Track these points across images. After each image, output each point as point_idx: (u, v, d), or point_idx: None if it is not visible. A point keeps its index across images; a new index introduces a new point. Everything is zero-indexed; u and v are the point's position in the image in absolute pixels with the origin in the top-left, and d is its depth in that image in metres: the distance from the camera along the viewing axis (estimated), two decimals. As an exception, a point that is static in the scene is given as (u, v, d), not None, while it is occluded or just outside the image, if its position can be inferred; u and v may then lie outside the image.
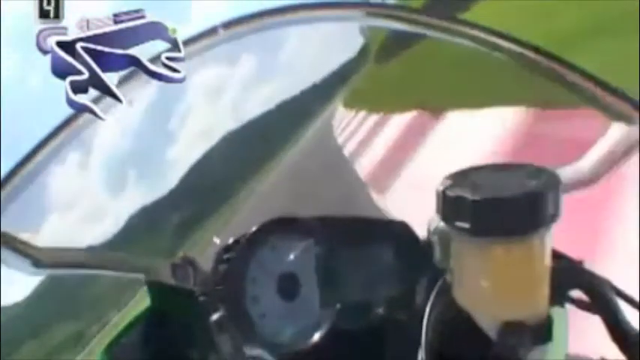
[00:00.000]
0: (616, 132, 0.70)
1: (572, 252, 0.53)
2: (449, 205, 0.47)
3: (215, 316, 0.62)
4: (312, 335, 0.78)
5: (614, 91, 0.68)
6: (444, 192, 0.48)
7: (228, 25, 0.64)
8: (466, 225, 0.46)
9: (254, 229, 0.82)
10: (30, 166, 0.70)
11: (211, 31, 0.66)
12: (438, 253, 0.51)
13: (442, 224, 0.49)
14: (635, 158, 0.68)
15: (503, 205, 0.45)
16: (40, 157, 0.70)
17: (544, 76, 0.73)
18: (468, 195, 0.46)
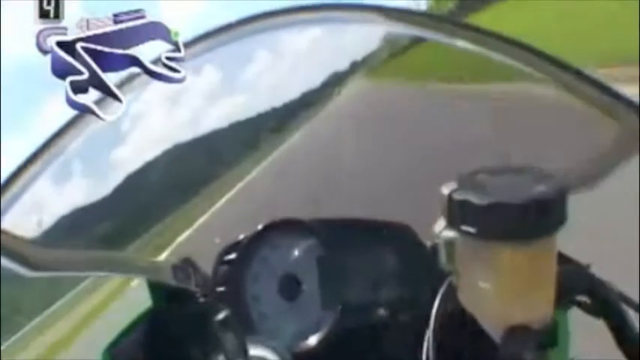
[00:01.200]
0: (616, 132, 0.70)
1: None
2: (455, 209, 0.47)
3: (220, 316, 0.62)
4: (312, 336, 0.78)
5: (614, 92, 0.68)
6: (449, 196, 0.47)
7: (237, 24, 0.63)
8: (472, 229, 0.46)
9: (257, 229, 0.82)
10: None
11: (219, 30, 0.65)
12: (443, 257, 0.51)
13: (447, 227, 0.49)
14: (635, 158, 0.69)
15: (509, 210, 0.44)
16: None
17: (542, 76, 0.73)
18: (474, 199, 0.46)
